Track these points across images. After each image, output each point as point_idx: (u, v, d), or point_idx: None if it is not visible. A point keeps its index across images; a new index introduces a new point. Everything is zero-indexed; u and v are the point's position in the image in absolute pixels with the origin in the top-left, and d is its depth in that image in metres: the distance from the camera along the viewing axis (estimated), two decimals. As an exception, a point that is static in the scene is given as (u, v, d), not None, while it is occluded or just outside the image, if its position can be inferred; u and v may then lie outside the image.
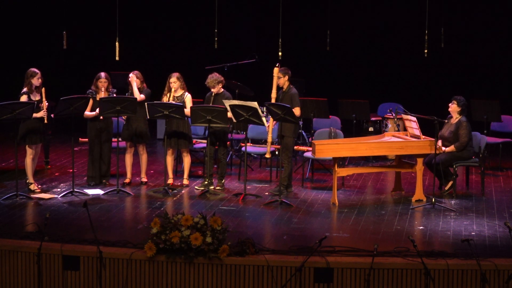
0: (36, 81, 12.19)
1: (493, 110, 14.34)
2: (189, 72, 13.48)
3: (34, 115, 12.00)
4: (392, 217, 11.32)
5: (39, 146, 12.48)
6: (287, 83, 12.46)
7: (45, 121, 12.22)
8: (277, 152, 13.19)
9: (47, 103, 12.24)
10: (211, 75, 12.76)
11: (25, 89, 12.19)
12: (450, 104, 12.51)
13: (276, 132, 12.70)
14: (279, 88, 12.52)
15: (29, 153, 12.32)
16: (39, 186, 12.50)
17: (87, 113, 12.58)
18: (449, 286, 9.30)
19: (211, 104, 12.60)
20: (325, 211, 11.65)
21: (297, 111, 12.11)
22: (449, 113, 12.59)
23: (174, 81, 12.70)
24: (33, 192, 12.23)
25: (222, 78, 12.83)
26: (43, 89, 12.20)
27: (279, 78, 12.41)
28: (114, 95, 12.78)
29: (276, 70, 12.45)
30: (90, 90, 12.71)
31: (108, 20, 14.51)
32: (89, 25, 17.73)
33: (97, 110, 12.46)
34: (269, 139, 12.67)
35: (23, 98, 12.12)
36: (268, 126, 12.53)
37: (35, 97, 12.20)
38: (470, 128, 12.42)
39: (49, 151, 14.04)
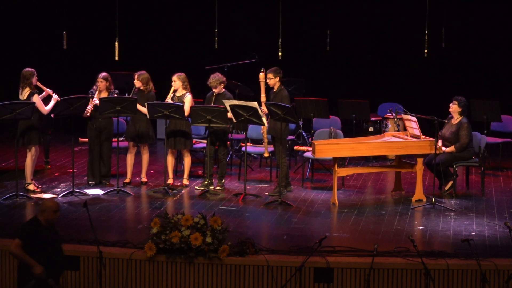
0: (35, 80, 12.23)
1: (493, 110, 14.33)
2: (189, 72, 13.48)
3: (49, 107, 12.10)
4: (392, 217, 11.32)
5: (38, 146, 12.48)
6: (278, 84, 12.45)
7: (58, 99, 12.25)
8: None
9: (50, 90, 12.29)
10: (213, 75, 12.76)
11: (30, 90, 12.18)
12: (451, 105, 12.51)
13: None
14: (269, 89, 12.52)
15: (32, 153, 12.32)
16: (40, 186, 12.50)
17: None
18: (449, 286, 9.30)
19: (212, 104, 12.60)
20: (325, 211, 11.65)
21: None
22: (449, 113, 12.59)
23: (174, 80, 12.71)
24: (32, 192, 12.24)
25: (224, 79, 12.83)
26: (38, 83, 12.24)
27: (270, 79, 12.42)
28: (115, 95, 12.79)
29: (262, 75, 12.45)
30: (92, 90, 12.72)
31: (108, 20, 14.51)
32: (89, 25, 17.72)
33: (89, 106, 12.46)
34: (265, 139, 12.66)
35: (36, 97, 12.13)
36: (264, 126, 12.53)
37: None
38: (471, 129, 12.42)
39: (49, 151, 14.04)
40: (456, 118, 12.47)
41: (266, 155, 12.93)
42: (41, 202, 8.43)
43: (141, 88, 12.77)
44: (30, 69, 12.30)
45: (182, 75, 12.74)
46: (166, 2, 17.95)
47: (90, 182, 12.80)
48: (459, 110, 12.44)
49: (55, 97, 12.28)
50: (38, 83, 12.29)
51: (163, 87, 12.94)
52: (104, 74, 12.75)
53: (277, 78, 12.42)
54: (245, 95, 14.58)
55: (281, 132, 12.22)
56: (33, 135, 12.20)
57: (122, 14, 14.08)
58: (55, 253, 8.52)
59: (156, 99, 12.84)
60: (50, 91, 12.31)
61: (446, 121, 12.55)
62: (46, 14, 17.69)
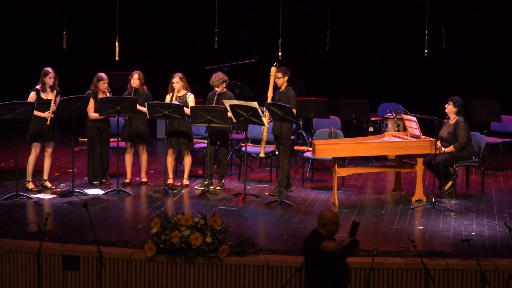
0: (49, 80, 12.22)
1: (493, 110, 14.33)
2: (189, 72, 13.49)
3: (40, 113, 12.03)
4: (392, 217, 11.32)
5: (50, 145, 12.43)
6: (285, 84, 12.45)
7: (48, 123, 12.21)
8: (277, 152, 13.19)
9: (55, 107, 12.24)
10: (215, 74, 12.75)
11: (37, 86, 12.20)
12: (446, 105, 12.50)
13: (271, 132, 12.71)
14: (276, 87, 12.51)
15: (33, 151, 12.33)
16: (48, 184, 12.53)
17: (94, 114, 12.57)
18: (449, 286, 9.30)
19: (214, 104, 12.59)
20: (325, 211, 11.63)
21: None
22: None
23: (177, 81, 12.70)
24: (30, 191, 12.25)
25: (226, 78, 12.82)
26: (54, 92, 12.22)
27: (278, 78, 12.40)
28: (110, 94, 12.81)
29: (273, 69, 12.43)
30: (90, 91, 12.69)
31: (108, 20, 14.51)
32: (89, 25, 17.73)
33: None
34: (264, 139, 12.66)
35: (31, 96, 12.14)
36: (264, 126, 12.53)
37: (47, 96, 12.23)
38: (468, 128, 12.41)
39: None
40: (453, 118, 12.47)
41: (262, 155, 12.91)
42: (319, 215, 7.91)
43: (138, 87, 12.77)
44: (47, 68, 12.29)
45: (181, 74, 12.75)
46: (166, 2, 17.96)
47: (94, 182, 12.78)
48: (455, 110, 12.44)
49: (47, 112, 12.19)
50: (54, 94, 12.22)
51: (163, 87, 12.93)
52: (105, 75, 12.75)
53: (286, 78, 12.42)
54: (245, 95, 14.58)
55: (281, 131, 12.22)
56: (35, 134, 12.22)
57: (122, 14, 14.08)
58: (343, 264, 7.96)
59: (154, 99, 12.85)
60: (53, 104, 12.24)
61: (445, 121, 12.55)
62: (46, 14, 17.70)
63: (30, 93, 12.20)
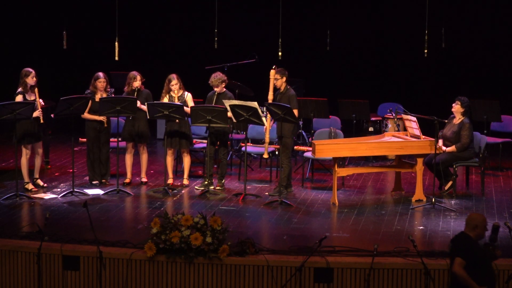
0: (30, 80, 12.17)
1: (493, 110, 14.33)
2: (189, 72, 13.49)
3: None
4: (392, 217, 11.32)
5: (39, 145, 12.45)
6: (284, 84, 12.43)
7: (41, 121, 12.22)
8: (277, 152, 13.19)
9: (42, 103, 12.24)
10: (214, 74, 12.76)
11: (20, 89, 12.18)
12: (453, 105, 12.49)
13: (274, 132, 12.70)
14: (276, 89, 12.50)
15: (24, 153, 12.33)
16: (40, 182, 12.52)
17: (87, 115, 12.58)
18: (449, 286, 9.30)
19: (213, 104, 12.60)
20: (325, 211, 11.65)
21: (294, 113, 12.04)
22: (450, 113, 12.58)
23: (176, 82, 12.70)
24: (30, 191, 12.24)
25: (226, 78, 12.83)
26: (36, 89, 12.19)
27: (277, 80, 12.38)
28: (113, 95, 12.80)
29: (272, 72, 12.41)
30: (88, 91, 12.69)
31: (108, 20, 14.51)
32: (89, 25, 17.72)
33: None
34: (267, 139, 12.66)
35: (18, 98, 12.11)
36: (266, 127, 12.52)
37: (30, 97, 12.18)
38: (472, 129, 12.41)
39: (49, 151, 14.04)
40: (458, 118, 12.46)
41: (265, 156, 12.91)
42: (469, 217, 8.16)
43: (139, 87, 12.79)
44: (28, 68, 12.27)
45: (177, 75, 12.77)
46: (166, 2, 17.96)
47: (94, 182, 12.79)
48: (462, 110, 12.43)
49: (37, 110, 12.17)
50: (36, 92, 12.19)
51: (163, 87, 12.93)
52: (103, 73, 12.75)
53: (284, 78, 12.41)
54: (245, 95, 14.59)
55: (281, 131, 12.22)
56: (24, 135, 12.21)
57: (122, 14, 14.08)
58: (489, 266, 8.17)
59: (154, 99, 12.85)
60: (39, 101, 12.22)
61: (446, 121, 12.55)
62: (46, 14, 17.70)
63: (16, 96, 12.15)
